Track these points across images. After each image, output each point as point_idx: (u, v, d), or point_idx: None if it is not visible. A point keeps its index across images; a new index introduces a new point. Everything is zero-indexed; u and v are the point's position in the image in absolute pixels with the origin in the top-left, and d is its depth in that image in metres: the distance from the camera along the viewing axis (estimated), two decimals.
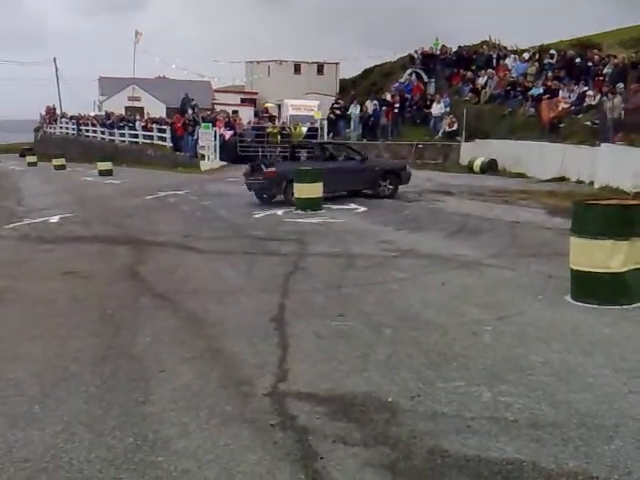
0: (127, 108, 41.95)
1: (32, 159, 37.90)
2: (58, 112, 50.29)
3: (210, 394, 4.04)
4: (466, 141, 22.33)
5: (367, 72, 38.36)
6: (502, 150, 20.11)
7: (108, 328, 5.49)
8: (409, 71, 28.69)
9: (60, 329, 5.46)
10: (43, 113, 51.22)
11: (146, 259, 8.67)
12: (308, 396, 3.95)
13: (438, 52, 28.71)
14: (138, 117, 35.86)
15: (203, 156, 26.39)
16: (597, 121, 17.09)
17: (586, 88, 19.16)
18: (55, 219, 12.81)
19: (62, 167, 30.76)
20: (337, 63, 44.49)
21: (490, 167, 19.96)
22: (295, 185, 13.25)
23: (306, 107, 33.40)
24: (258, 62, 46.70)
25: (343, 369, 4.40)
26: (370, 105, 26.10)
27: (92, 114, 43.43)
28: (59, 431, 3.58)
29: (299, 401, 3.88)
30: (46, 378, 4.34)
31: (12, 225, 12.27)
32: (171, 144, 29.84)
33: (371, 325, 5.40)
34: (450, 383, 4.10)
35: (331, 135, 26.66)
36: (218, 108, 36.87)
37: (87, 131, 40.61)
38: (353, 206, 13.60)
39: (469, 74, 25.43)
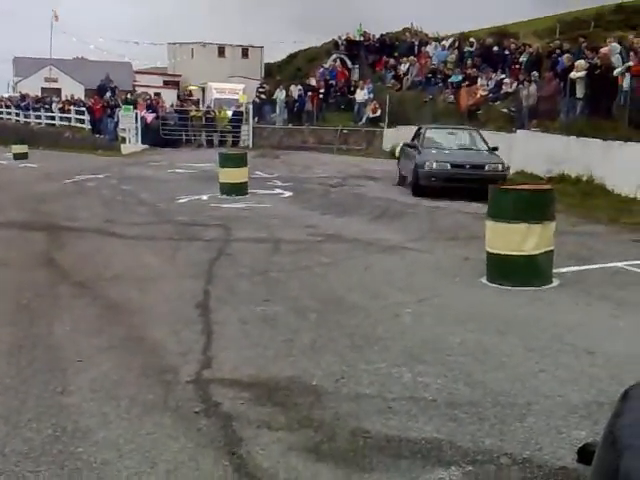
0: (44, 89, 40.14)
1: None
2: None
3: (131, 383, 3.94)
4: (389, 127, 22.65)
5: (292, 57, 38.18)
6: None
7: (23, 317, 5.26)
8: (333, 57, 28.76)
9: None
10: None
11: (63, 245, 8.35)
12: (232, 382, 3.93)
13: (362, 38, 28.91)
14: (55, 99, 34.35)
15: (124, 139, 25.62)
16: (513, 108, 17.71)
17: (503, 76, 19.79)
18: None
19: None
20: (262, 47, 44.10)
21: None
22: (220, 170, 13.09)
23: (231, 90, 32.99)
24: (181, 44, 45.64)
25: (268, 354, 4.40)
26: (295, 90, 26.04)
27: (6, 95, 41.28)
28: None
29: (223, 387, 3.85)
30: None
31: None
32: (90, 126, 28.81)
33: (296, 310, 5.41)
34: (372, 365, 4.17)
35: (256, 119, 26.45)
36: (139, 90, 35.81)
37: (1, 113, 38.61)
38: (279, 191, 13.57)
39: (392, 61, 25.77)
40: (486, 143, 13.69)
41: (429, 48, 25.48)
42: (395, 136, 21.76)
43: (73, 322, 5.13)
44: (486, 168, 12.64)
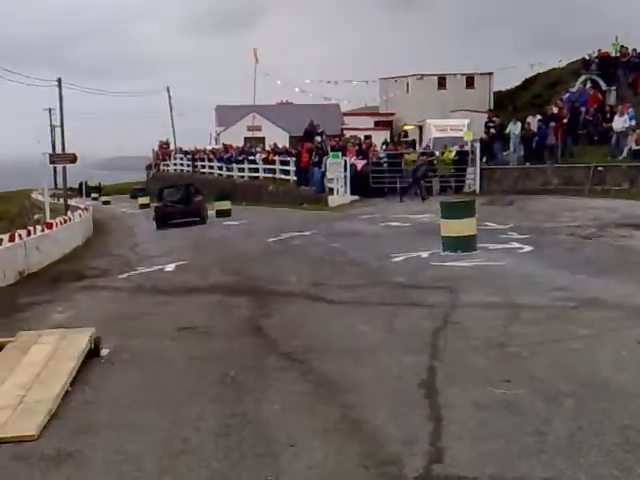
0: (246, 139, 44.12)
1: (144, 200, 40.70)
2: (172, 147, 53.83)
3: (350, 475, 4.05)
4: None
5: (528, 82, 37.84)
6: None
7: (230, 393, 5.68)
8: (582, 78, 28.02)
9: (178, 394, 5.74)
10: (156, 149, 55.10)
11: (270, 312, 8.93)
12: None
13: (619, 54, 27.86)
14: (259, 149, 37.49)
15: (331, 190, 26.96)
16: None
17: None
18: (170, 267, 13.60)
19: None
20: (490, 73, 44.27)
21: None
22: (442, 221, 13.17)
23: (453, 127, 33.34)
24: (395, 79, 47.50)
25: (513, 449, 4.25)
26: (533, 121, 25.61)
27: (209, 147, 46.03)
28: None
29: None
30: (164, 451, 4.55)
31: (126, 275, 13.17)
32: (295, 178, 30.83)
33: (546, 394, 5.19)
34: None
35: (484, 160, 26.34)
36: (348, 134, 37.77)
37: (203, 167, 43.01)
38: (515, 245, 13.26)
39: None
40: None
41: None
42: None
43: (282, 400, 5.43)
44: None
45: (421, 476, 3.95)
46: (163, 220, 25.09)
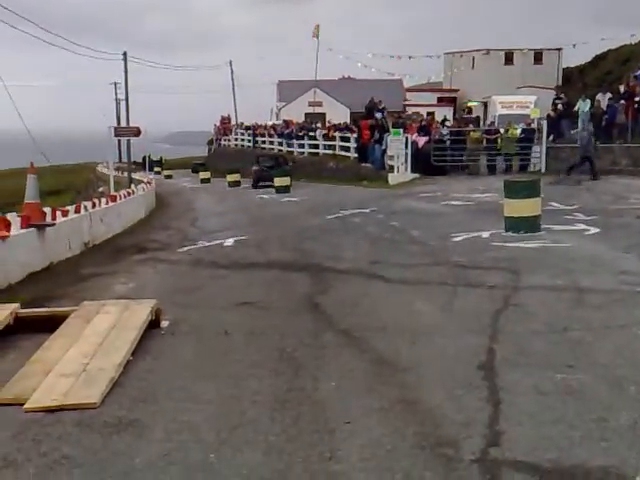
0: (307, 115, 44.16)
1: (205, 175, 41.30)
2: (233, 122, 54.28)
3: (405, 454, 4.04)
4: None
5: (599, 58, 36.84)
6: None
7: (288, 368, 5.74)
8: None
9: (236, 367, 5.82)
10: (217, 124, 55.64)
11: (327, 289, 8.95)
12: (528, 467, 3.81)
13: None
14: (319, 124, 37.47)
15: (392, 167, 26.79)
16: None
17: None
18: (230, 242, 13.75)
19: (237, 184, 33.08)
20: (559, 49, 43.18)
21: None
22: (505, 201, 12.97)
23: (519, 104, 32.71)
24: (460, 54, 46.79)
25: (574, 435, 4.19)
26: (603, 99, 24.90)
27: (270, 123, 46.29)
28: None
29: (517, 472, 3.76)
30: (222, 423, 4.63)
31: (185, 248, 13.38)
32: (356, 154, 30.71)
33: (610, 380, 5.09)
34: None
35: (551, 138, 25.75)
36: (410, 110, 37.45)
37: (264, 142, 43.25)
38: (581, 227, 12.98)
39: None
40: None
41: None
42: None
43: (339, 376, 5.45)
44: None
45: (477, 459, 3.93)
46: (258, 180, 31.28)
